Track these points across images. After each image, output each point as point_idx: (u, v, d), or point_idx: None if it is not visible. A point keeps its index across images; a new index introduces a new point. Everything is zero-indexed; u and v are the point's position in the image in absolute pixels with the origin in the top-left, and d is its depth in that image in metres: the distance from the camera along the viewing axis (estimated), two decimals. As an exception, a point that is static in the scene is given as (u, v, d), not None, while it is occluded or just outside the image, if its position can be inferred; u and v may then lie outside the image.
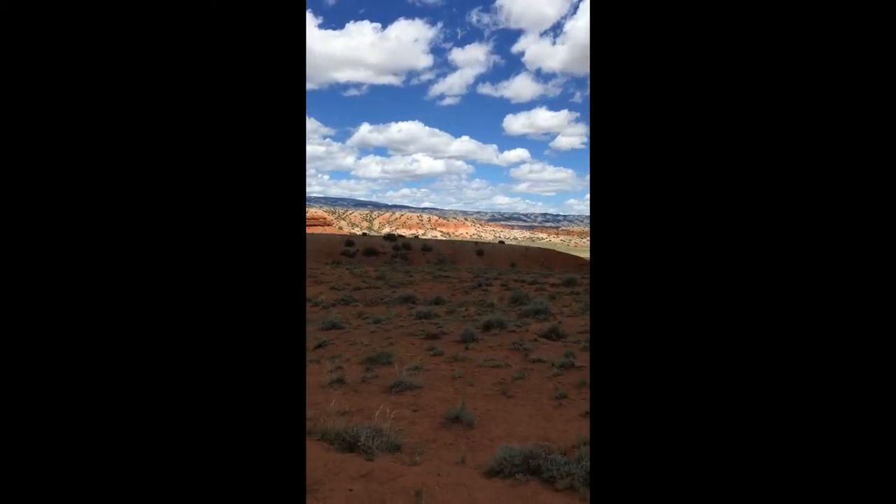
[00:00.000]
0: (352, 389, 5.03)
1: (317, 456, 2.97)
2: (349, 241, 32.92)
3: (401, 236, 39.98)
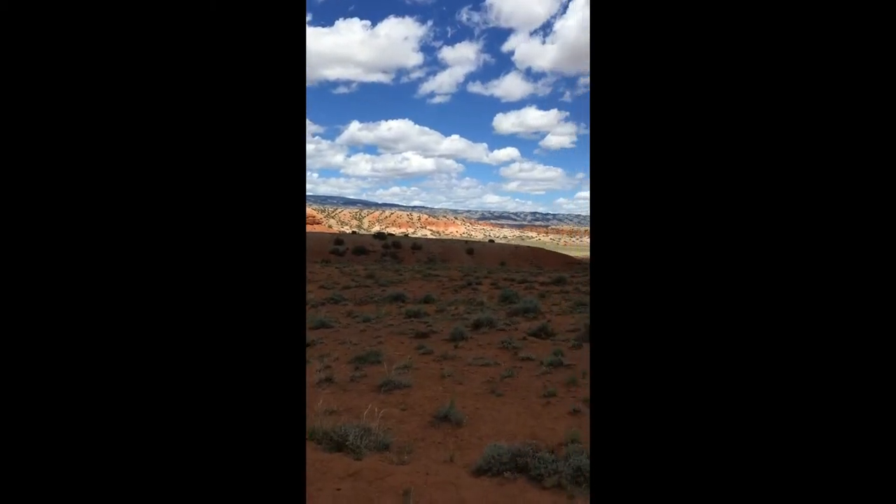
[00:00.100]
0: (340, 388, 5.01)
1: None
2: (338, 239, 32.79)
3: (390, 235, 39.90)
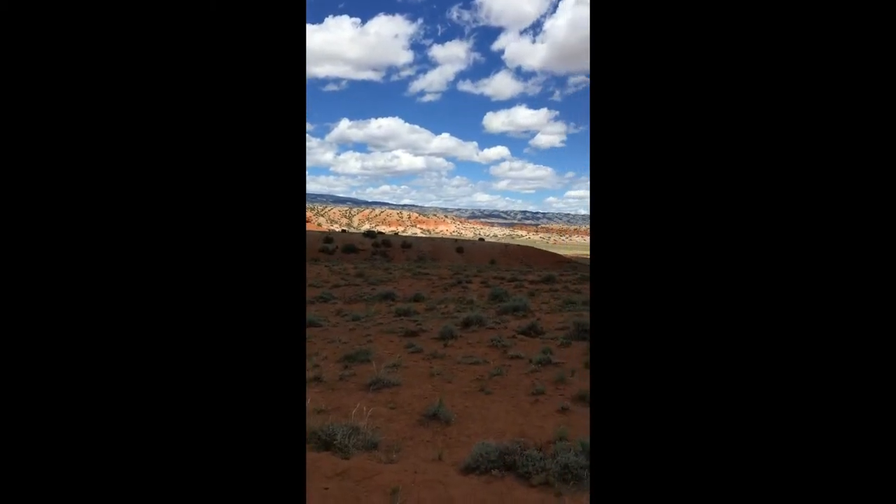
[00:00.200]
0: (329, 387, 4.99)
1: (291, 455, 2.94)
2: (328, 237, 32.63)
3: (380, 233, 39.78)
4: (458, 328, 7.71)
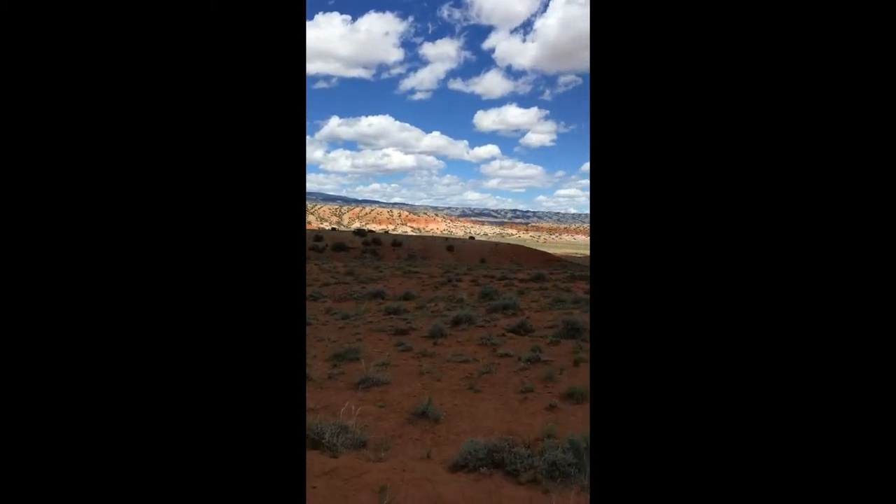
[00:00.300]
0: (317, 386, 4.97)
1: (279, 454, 2.93)
2: (318, 236, 32.47)
3: (371, 231, 39.67)
4: (447, 326, 7.71)
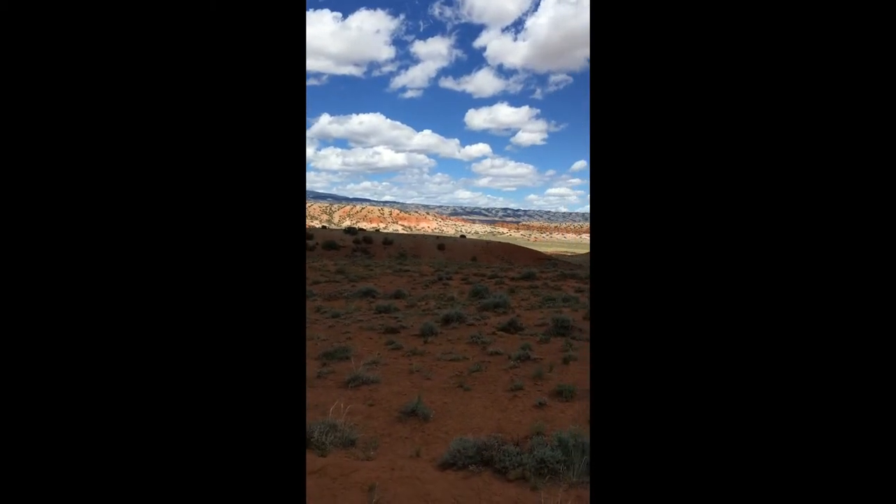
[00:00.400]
0: (307, 385, 4.94)
1: (267, 453, 2.91)
2: (308, 234, 32.30)
3: (361, 230, 39.57)
4: (438, 325, 7.71)
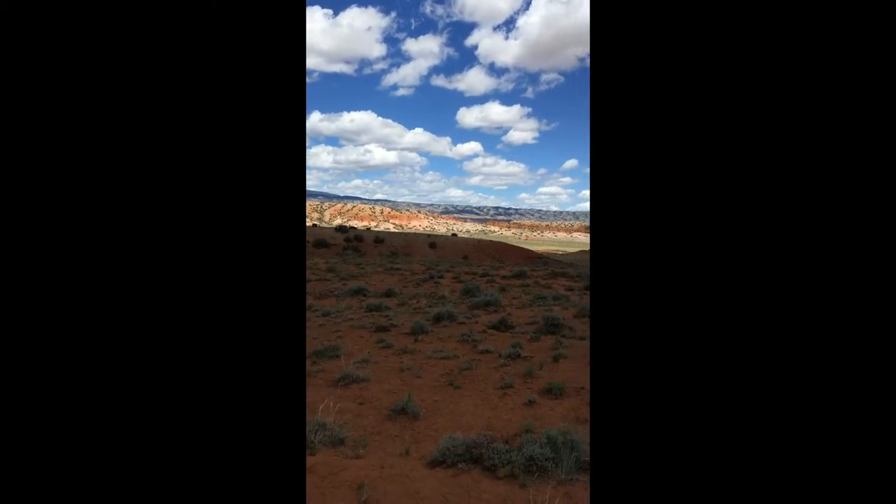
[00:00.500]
0: (296, 384, 4.92)
1: (255, 453, 2.89)
2: (299, 232, 32.09)
3: (352, 228, 39.44)
4: (429, 323, 7.71)
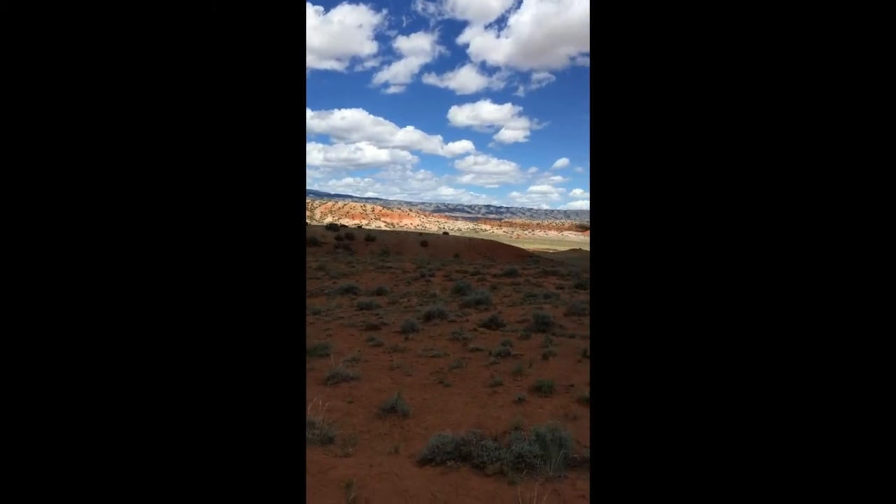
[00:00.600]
0: (286, 382, 4.90)
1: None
2: (289, 230, 31.90)
3: (343, 226, 39.28)
4: (419, 322, 7.71)
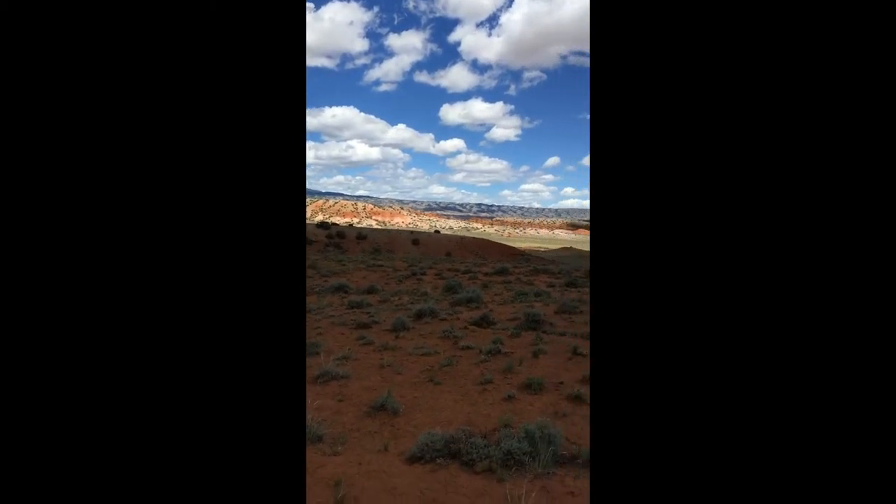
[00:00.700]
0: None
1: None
2: (280, 228, 31.73)
3: (334, 224, 39.12)
4: (410, 320, 7.70)
